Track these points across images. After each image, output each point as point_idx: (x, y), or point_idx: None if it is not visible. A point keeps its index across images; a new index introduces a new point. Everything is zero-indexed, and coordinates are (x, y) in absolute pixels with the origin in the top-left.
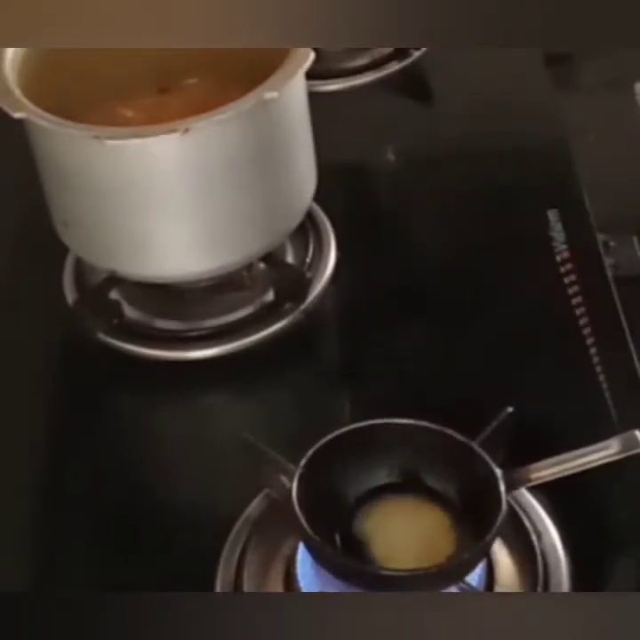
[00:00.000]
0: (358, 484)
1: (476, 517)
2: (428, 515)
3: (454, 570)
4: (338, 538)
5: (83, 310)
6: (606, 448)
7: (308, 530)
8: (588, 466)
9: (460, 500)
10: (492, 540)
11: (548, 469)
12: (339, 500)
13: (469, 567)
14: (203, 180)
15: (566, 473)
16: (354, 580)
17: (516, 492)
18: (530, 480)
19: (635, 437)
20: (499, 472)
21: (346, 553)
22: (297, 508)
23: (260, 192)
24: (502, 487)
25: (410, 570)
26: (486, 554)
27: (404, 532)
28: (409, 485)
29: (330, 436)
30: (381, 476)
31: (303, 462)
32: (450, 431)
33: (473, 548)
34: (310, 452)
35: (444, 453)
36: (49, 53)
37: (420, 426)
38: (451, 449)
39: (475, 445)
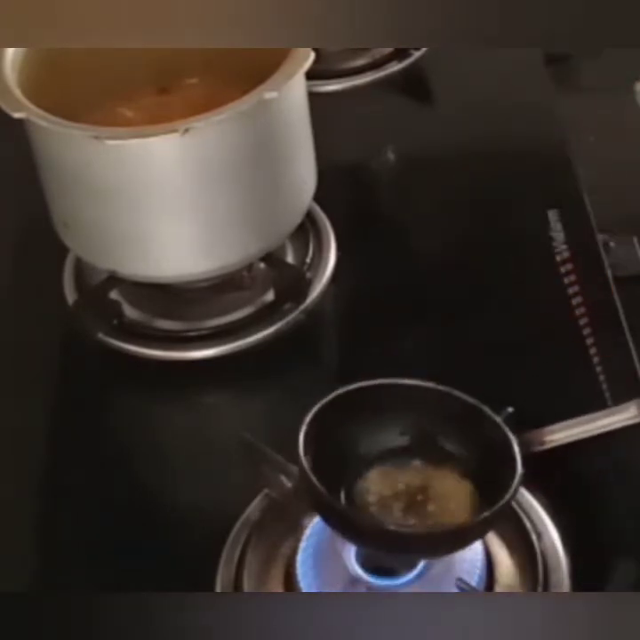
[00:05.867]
0: (369, 445)
1: (492, 483)
2: (445, 480)
3: (470, 530)
4: (343, 497)
5: (83, 310)
6: (623, 411)
7: (319, 486)
8: (603, 430)
9: (474, 464)
10: (509, 501)
11: (562, 432)
12: (348, 461)
13: (484, 530)
14: (202, 180)
15: (580, 436)
16: (368, 539)
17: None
18: (543, 443)
19: None
20: (512, 435)
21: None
22: (305, 465)
23: (260, 192)
24: (516, 448)
25: (420, 528)
26: (501, 517)
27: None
28: (423, 448)
29: (335, 394)
30: (392, 438)
31: (308, 419)
32: (457, 392)
33: (489, 509)
34: (316, 409)
35: (454, 415)
36: (49, 53)
37: (427, 387)
38: (460, 411)
39: (485, 408)
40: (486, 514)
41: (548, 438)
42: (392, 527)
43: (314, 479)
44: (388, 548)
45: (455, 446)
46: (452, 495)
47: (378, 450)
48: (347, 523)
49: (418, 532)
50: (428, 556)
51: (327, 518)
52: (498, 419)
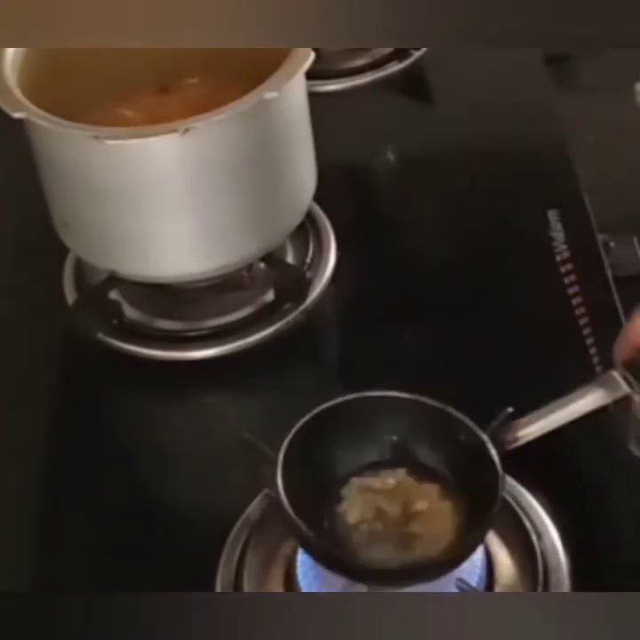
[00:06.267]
0: (347, 466)
1: (476, 488)
2: (427, 493)
3: (459, 554)
4: (327, 523)
5: (83, 310)
6: (589, 393)
7: (295, 517)
8: (575, 416)
9: (455, 471)
10: (497, 509)
11: (534, 425)
12: (327, 484)
13: (474, 545)
14: (203, 180)
15: (553, 426)
16: (343, 572)
17: (516, 493)
18: (517, 439)
19: (613, 377)
20: (485, 436)
21: (334, 538)
22: (283, 497)
23: (259, 192)
24: (492, 451)
25: (399, 565)
26: (492, 524)
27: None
28: (402, 463)
29: (304, 420)
30: (370, 456)
31: (283, 448)
32: (424, 399)
33: (477, 524)
34: (288, 437)
35: (425, 423)
36: (49, 53)
37: (393, 397)
38: (431, 417)
39: (453, 411)
40: (478, 531)
41: (522, 433)
42: (379, 567)
43: (292, 513)
44: (373, 583)
45: (433, 456)
46: (436, 510)
47: (356, 470)
48: (331, 560)
49: (406, 567)
50: (421, 582)
51: (311, 554)
52: (468, 421)
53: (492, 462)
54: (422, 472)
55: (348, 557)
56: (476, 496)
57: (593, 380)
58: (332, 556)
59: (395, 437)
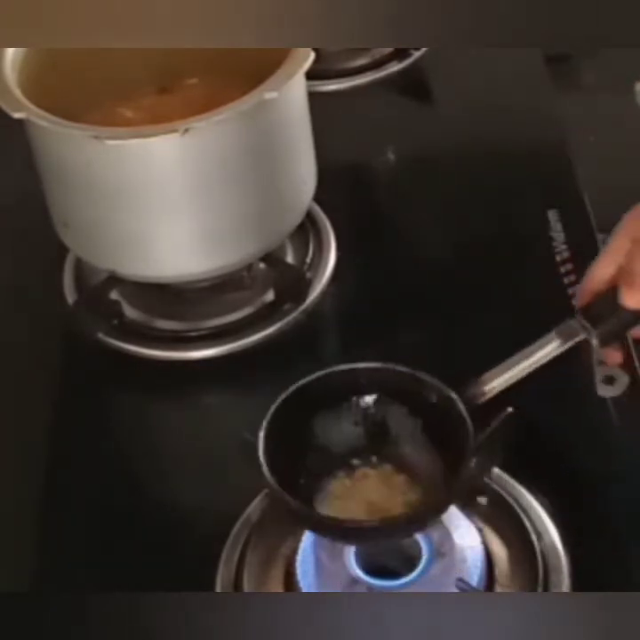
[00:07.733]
0: (328, 442)
1: (453, 448)
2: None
3: (438, 503)
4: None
5: (83, 310)
6: (549, 342)
7: (272, 481)
8: (538, 364)
9: (430, 434)
10: (469, 462)
11: (499, 377)
12: (309, 459)
13: (450, 500)
14: (202, 180)
15: (518, 376)
16: (322, 531)
17: (516, 493)
18: (484, 393)
19: (570, 325)
20: (453, 393)
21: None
22: (264, 462)
23: (259, 192)
24: (461, 406)
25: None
26: (466, 478)
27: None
28: (378, 436)
29: (283, 396)
30: (348, 429)
31: (265, 422)
32: (390, 365)
33: (452, 478)
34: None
35: (396, 390)
36: (49, 53)
37: (361, 368)
38: (401, 383)
39: (420, 374)
40: (452, 483)
41: (489, 387)
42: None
43: (270, 478)
44: (353, 540)
45: (408, 421)
46: (416, 476)
47: (336, 446)
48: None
49: (386, 520)
50: (408, 534)
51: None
52: (436, 381)
53: (462, 417)
54: (398, 437)
55: (329, 517)
56: (451, 454)
57: (553, 329)
58: (314, 517)
59: (370, 410)
